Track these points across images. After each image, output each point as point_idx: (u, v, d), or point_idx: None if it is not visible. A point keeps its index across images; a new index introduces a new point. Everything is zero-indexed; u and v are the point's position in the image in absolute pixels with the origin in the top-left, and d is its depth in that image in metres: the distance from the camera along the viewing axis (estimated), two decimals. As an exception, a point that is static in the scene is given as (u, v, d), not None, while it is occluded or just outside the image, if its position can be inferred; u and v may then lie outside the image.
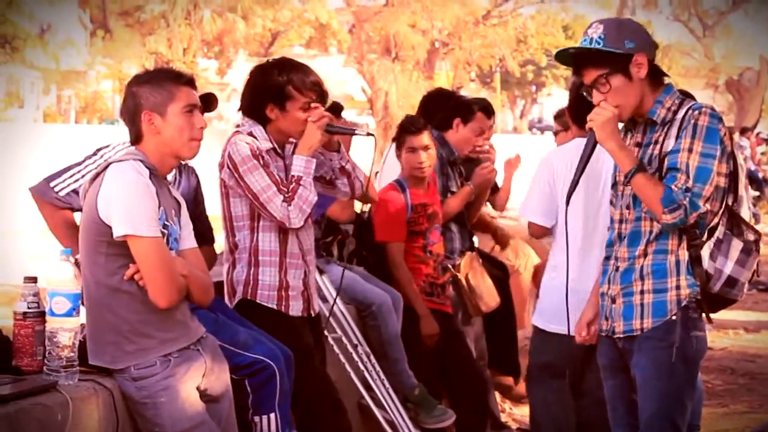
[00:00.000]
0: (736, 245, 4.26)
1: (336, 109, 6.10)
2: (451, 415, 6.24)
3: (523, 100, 61.95)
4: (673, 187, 4.14)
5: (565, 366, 5.63)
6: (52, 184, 4.93)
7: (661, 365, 4.30)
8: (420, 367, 6.29)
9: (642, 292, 4.34)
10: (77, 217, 4.83)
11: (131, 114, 4.12)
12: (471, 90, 45.11)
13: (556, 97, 62.32)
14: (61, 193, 4.90)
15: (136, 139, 4.13)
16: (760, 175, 26.77)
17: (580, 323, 4.72)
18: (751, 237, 4.30)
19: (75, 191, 4.86)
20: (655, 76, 4.36)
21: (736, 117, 37.90)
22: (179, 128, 4.10)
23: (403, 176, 6.48)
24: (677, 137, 4.23)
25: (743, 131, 29.17)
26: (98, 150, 4.98)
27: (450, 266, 6.74)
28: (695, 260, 4.26)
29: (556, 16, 50.93)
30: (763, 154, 29.84)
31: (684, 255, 4.27)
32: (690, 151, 4.17)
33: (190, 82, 4.19)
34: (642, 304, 4.33)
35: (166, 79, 4.15)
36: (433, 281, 6.49)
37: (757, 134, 31.15)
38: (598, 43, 4.31)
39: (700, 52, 45.38)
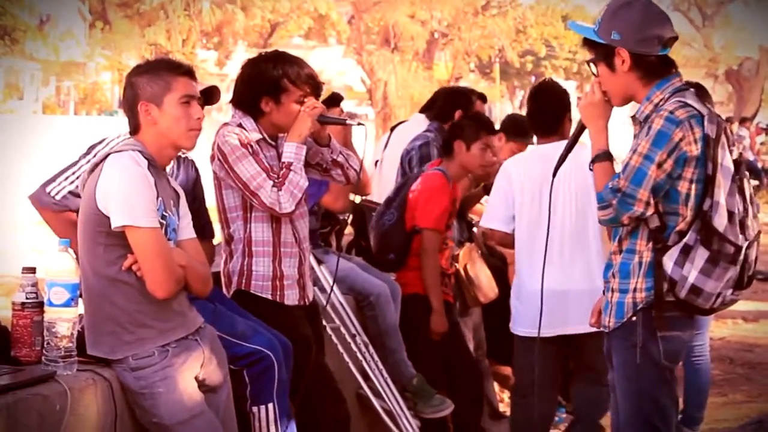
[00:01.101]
0: (702, 254, 4.07)
1: (335, 99, 6.11)
2: (449, 404, 6.26)
3: (522, 90, 61.73)
4: (609, 184, 4.13)
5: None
6: (47, 189, 4.89)
7: (628, 365, 4.26)
8: (420, 357, 6.31)
9: (612, 290, 4.30)
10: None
11: (129, 104, 4.13)
12: (470, 81, 45.06)
13: (555, 87, 62.18)
14: (57, 197, 4.86)
15: (134, 129, 4.14)
16: (759, 164, 26.78)
17: (593, 309, 4.70)
18: (728, 249, 4.08)
19: (71, 192, 4.83)
20: (652, 70, 4.24)
21: (735, 107, 37.93)
22: (176, 118, 4.10)
23: (450, 169, 6.51)
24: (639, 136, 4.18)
25: (743, 121, 29.18)
26: (91, 148, 4.91)
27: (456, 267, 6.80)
28: (657, 264, 4.14)
29: (555, 6, 50.76)
30: (762, 143, 29.85)
31: (648, 257, 4.18)
32: (634, 152, 4.11)
33: (188, 72, 4.19)
34: (611, 302, 4.30)
35: (163, 69, 4.15)
36: (443, 271, 6.54)
37: (757, 124, 31.16)
38: (596, 27, 4.28)
39: (699, 42, 45.31)
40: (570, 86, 60.99)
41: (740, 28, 46.48)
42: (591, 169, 4.32)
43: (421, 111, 7.84)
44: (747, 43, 43.78)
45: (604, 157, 4.27)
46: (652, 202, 4.09)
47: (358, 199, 6.93)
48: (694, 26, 44.71)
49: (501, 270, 7.38)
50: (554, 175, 4.57)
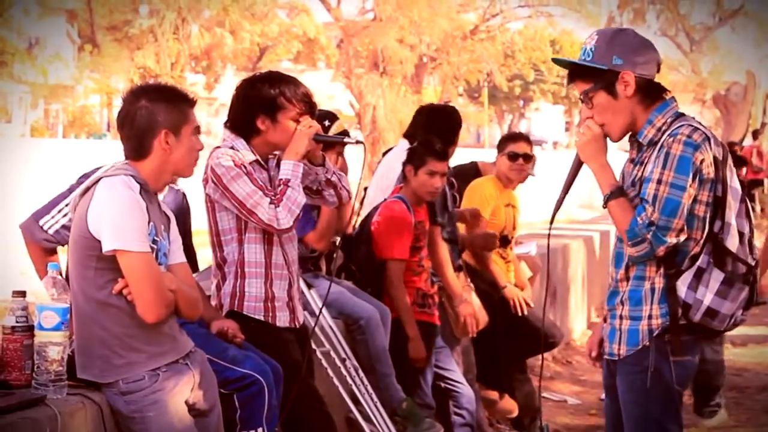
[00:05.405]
0: (717, 276, 4.05)
1: (344, 133, 6.09)
2: (438, 428, 6.25)
3: (510, 114, 61.99)
4: (638, 219, 4.03)
5: None
6: (41, 222, 4.85)
7: (637, 390, 4.21)
8: (409, 380, 6.32)
9: (621, 317, 4.24)
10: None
11: (144, 129, 4.07)
12: (459, 105, 45.10)
13: (543, 111, 62.47)
14: (50, 231, 4.83)
15: (142, 154, 4.09)
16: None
17: (590, 343, 4.61)
18: (740, 269, 4.08)
19: (64, 226, 4.77)
20: (651, 93, 4.20)
21: (723, 132, 37.98)
22: (189, 149, 4.12)
23: (407, 194, 6.50)
24: (654, 163, 4.08)
25: (730, 146, 29.25)
26: (84, 177, 4.79)
27: (439, 285, 6.80)
28: (670, 289, 4.10)
29: (543, 31, 50.88)
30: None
31: (660, 283, 4.13)
32: (659, 182, 4.03)
33: (195, 103, 4.22)
34: (621, 330, 4.23)
35: (179, 98, 4.15)
36: (425, 292, 6.55)
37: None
38: (588, 56, 4.19)
39: (687, 67, 45.48)
40: (558, 110, 61.22)
41: (728, 53, 46.67)
42: (605, 207, 4.22)
43: (404, 136, 7.84)
44: (734, 68, 43.95)
45: (618, 193, 4.17)
46: (685, 228, 4.05)
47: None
48: (682, 51, 44.88)
49: (490, 295, 7.38)
50: (553, 216, 4.44)
